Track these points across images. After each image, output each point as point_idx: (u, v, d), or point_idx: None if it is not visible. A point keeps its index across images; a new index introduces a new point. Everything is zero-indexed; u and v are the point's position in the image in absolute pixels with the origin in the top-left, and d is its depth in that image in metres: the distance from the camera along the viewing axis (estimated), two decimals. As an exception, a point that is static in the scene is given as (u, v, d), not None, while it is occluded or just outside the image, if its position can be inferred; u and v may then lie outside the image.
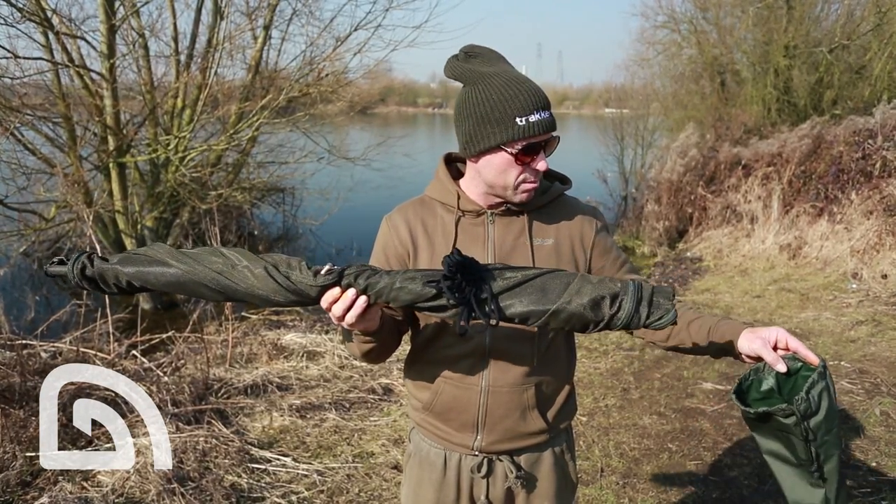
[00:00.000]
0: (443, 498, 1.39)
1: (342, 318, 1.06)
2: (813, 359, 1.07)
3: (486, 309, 1.02)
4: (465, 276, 1.01)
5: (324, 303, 1.06)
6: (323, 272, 1.04)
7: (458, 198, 1.30)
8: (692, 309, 1.32)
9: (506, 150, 1.19)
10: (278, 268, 1.05)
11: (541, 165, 1.20)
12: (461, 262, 1.02)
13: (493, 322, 1.01)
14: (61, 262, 1.11)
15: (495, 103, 1.17)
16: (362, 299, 1.05)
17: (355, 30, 7.34)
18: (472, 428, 1.32)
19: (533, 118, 1.16)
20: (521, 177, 1.21)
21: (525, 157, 1.19)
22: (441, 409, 1.33)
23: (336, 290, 1.05)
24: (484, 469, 1.35)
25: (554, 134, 1.22)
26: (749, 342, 1.12)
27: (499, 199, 1.27)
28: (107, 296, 1.13)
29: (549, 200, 1.32)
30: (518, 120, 1.16)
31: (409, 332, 1.39)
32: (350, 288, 1.04)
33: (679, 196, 8.97)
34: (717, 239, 7.94)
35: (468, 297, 1.01)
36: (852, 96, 10.21)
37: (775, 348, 1.11)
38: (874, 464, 2.93)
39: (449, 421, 1.34)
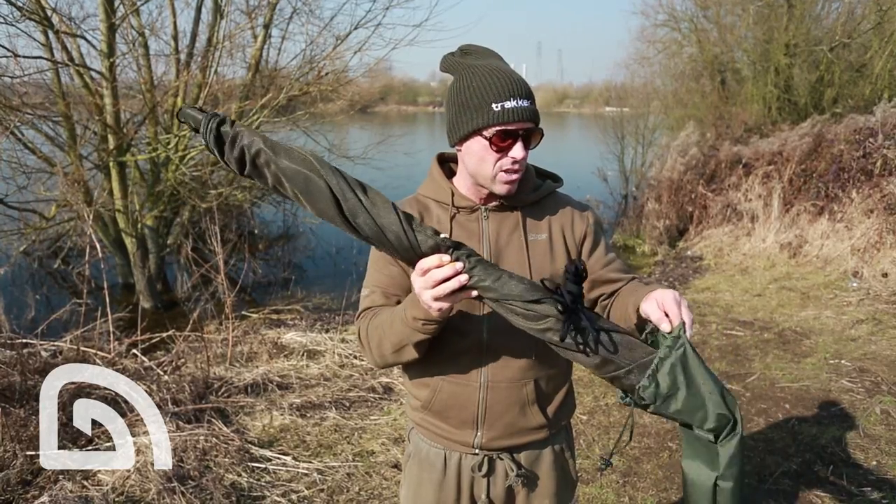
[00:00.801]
0: (443, 498, 1.38)
1: (437, 285, 1.05)
2: (665, 326, 1.04)
3: (585, 331, 1.05)
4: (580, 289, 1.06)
5: (426, 263, 1.06)
6: (442, 235, 1.08)
7: (453, 194, 1.31)
8: (635, 279, 1.32)
9: (482, 136, 1.20)
10: (410, 220, 1.09)
11: (517, 153, 1.20)
12: (583, 273, 1.05)
13: (589, 349, 1.05)
14: (200, 110, 1.13)
15: (474, 90, 1.20)
16: (464, 276, 1.05)
17: (355, 28, 7.31)
18: (472, 425, 1.32)
19: (509, 105, 1.18)
20: (499, 164, 1.22)
21: (501, 143, 1.20)
22: (440, 406, 1.33)
23: (445, 256, 1.06)
24: (484, 468, 1.35)
25: (537, 126, 1.22)
26: (645, 304, 1.11)
27: (487, 191, 1.29)
28: (228, 166, 1.14)
29: (541, 196, 1.33)
30: (494, 106, 1.18)
31: None
32: (458, 262, 1.06)
33: (679, 195, 8.96)
34: (717, 237, 7.94)
35: (577, 309, 1.05)
36: (853, 95, 10.20)
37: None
38: (874, 462, 2.93)
39: (448, 419, 1.34)
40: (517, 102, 1.18)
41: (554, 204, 1.35)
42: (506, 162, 1.21)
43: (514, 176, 1.23)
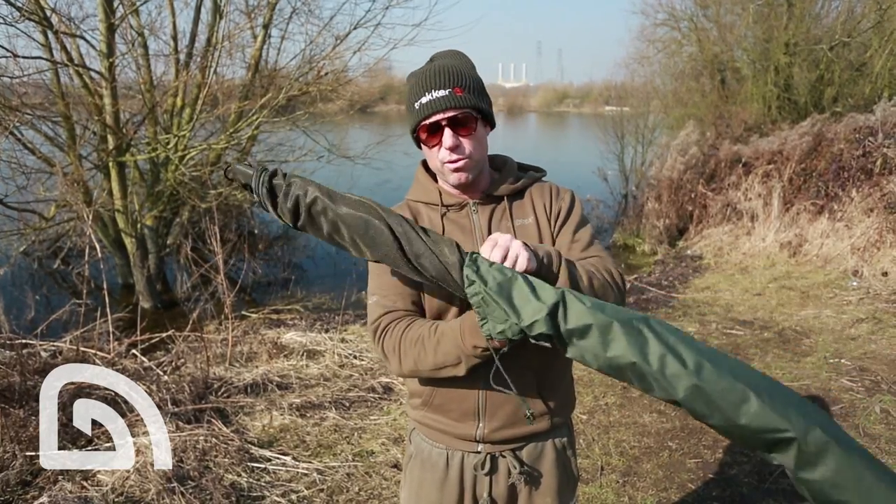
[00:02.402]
0: (445, 498, 1.38)
1: None
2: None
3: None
4: None
5: None
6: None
7: (441, 194, 1.34)
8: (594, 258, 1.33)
9: (418, 136, 1.27)
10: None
11: (446, 141, 1.23)
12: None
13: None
14: (249, 165, 1.17)
15: (407, 96, 1.27)
16: None
17: (355, 28, 7.30)
18: (474, 416, 1.32)
19: (424, 100, 1.22)
20: (440, 157, 1.26)
21: (429, 138, 1.25)
22: (441, 400, 1.34)
23: None
24: (487, 466, 1.35)
25: (468, 109, 1.22)
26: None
27: (466, 186, 1.33)
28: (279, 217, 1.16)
29: (525, 186, 1.37)
30: (415, 105, 1.24)
31: None
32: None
33: (679, 194, 8.96)
34: (717, 237, 7.94)
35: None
36: (853, 93, 10.18)
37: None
38: (874, 462, 2.93)
39: (449, 412, 1.34)
40: (431, 95, 1.22)
41: (537, 190, 1.39)
42: (444, 154, 1.25)
43: (458, 164, 1.26)
